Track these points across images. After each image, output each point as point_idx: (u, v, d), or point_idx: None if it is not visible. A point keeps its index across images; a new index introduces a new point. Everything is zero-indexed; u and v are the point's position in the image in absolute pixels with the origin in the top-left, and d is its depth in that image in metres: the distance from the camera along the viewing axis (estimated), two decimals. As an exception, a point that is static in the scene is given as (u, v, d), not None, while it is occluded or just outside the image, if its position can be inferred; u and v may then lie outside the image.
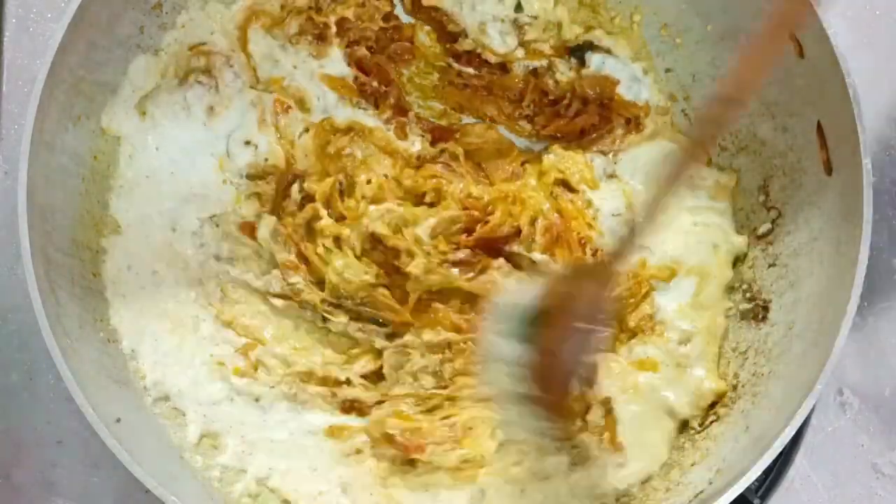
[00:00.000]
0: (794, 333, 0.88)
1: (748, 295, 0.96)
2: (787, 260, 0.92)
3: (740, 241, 0.98)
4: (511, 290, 0.89)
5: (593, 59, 1.01)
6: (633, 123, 1.01)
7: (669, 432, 0.95)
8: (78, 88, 0.85)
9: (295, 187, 0.97)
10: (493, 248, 0.97)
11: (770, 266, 0.94)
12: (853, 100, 0.79)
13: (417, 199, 1.00)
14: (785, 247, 0.93)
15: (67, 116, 0.85)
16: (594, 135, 1.02)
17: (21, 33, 1.06)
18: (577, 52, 1.02)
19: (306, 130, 0.99)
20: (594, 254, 0.97)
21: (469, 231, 0.98)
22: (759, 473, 0.77)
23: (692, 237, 0.99)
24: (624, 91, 1.01)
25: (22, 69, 1.05)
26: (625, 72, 1.01)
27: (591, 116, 1.01)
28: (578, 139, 1.02)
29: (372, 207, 0.96)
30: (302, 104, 1.00)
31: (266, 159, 0.97)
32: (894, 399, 1.04)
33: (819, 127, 0.86)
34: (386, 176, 0.98)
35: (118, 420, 0.82)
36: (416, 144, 1.01)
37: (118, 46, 0.89)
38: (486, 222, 0.97)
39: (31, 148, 0.78)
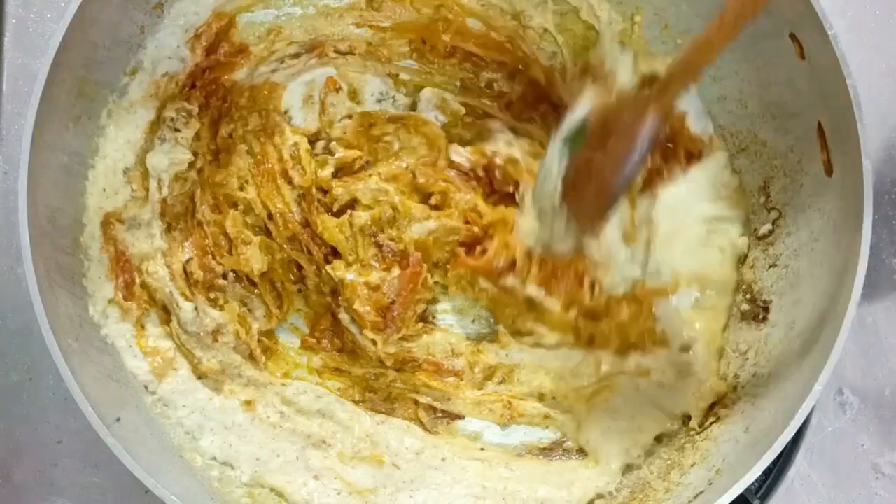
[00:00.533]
0: (794, 334, 0.88)
1: (748, 296, 0.96)
2: (788, 261, 0.92)
3: (741, 242, 0.98)
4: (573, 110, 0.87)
5: None
6: (695, 157, 0.97)
7: (655, 421, 0.96)
8: (78, 88, 0.85)
9: (321, 143, 0.99)
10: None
11: (770, 267, 0.95)
12: (853, 100, 0.79)
13: (424, 197, 1.01)
14: (785, 248, 0.93)
15: (68, 116, 0.85)
16: (656, 177, 0.96)
17: (21, 33, 1.06)
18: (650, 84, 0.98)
19: (348, 117, 1.00)
20: (591, 286, 0.97)
21: (467, 247, 0.99)
22: (759, 473, 0.77)
23: (702, 246, 0.99)
24: (691, 124, 0.98)
25: (22, 69, 1.05)
26: (691, 105, 0.98)
27: (653, 160, 0.95)
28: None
29: (375, 180, 0.98)
30: (354, 94, 1.00)
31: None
32: (894, 399, 1.04)
33: (819, 128, 0.86)
34: (406, 166, 0.99)
35: (118, 420, 0.82)
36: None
37: (119, 46, 0.89)
38: (484, 251, 0.98)
39: (31, 148, 0.78)
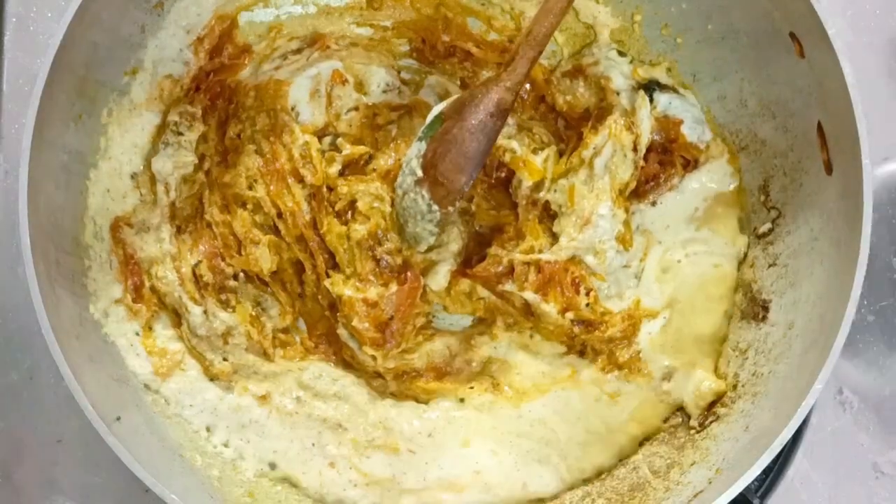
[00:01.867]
0: (794, 333, 0.88)
1: (748, 295, 0.96)
2: (788, 260, 0.92)
3: (741, 243, 0.98)
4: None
5: (661, 100, 0.98)
6: (692, 165, 0.99)
7: (600, 441, 0.97)
8: (79, 87, 0.85)
9: (327, 139, 0.99)
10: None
11: (770, 266, 0.95)
12: (853, 100, 0.79)
13: None
14: (785, 247, 0.93)
15: (68, 115, 0.85)
16: (650, 183, 0.99)
17: (21, 32, 1.06)
18: (647, 90, 0.98)
19: (355, 109, 1.00)
20: (588, 293, 0.97)
21: (464, 261, 0.99)
22: (759, 473, 0.77)
23: (687, 268, 0.99)
24: (687, 132, 0.98)
25: (22, 68, 1.05)
26: (689, 112, 0.99)
27: (650, 166, 0.99)
28: (634, 191, 0.99)
29: (376, 185, 0.97)
30: (360, 86, 1.00)
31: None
32: (894, 399, 1.04)
33: (819, 127, 0.86)
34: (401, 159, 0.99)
35: (118, 419, 0.82)
36: None
37: (119, 45, 0.89)
38: (483, 257, 0.98)
39: (31, 147, 0.78)
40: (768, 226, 0.95)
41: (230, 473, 0.93)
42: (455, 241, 0.98)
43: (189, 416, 0.93)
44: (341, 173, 0.99)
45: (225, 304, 0.97)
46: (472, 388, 1.00)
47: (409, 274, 0.97)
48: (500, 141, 0.96)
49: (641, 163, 0.97)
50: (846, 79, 0.80)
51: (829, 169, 0.85)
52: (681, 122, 0.98)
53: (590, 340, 0.98)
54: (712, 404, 0.94)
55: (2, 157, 1.04)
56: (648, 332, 0.98)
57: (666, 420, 0.97)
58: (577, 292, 0.96)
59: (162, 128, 0.94)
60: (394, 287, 0.97)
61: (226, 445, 0.94)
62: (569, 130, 1.01)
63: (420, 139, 0.90)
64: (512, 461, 0.96)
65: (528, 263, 0.96)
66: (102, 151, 0.90)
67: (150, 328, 0.94)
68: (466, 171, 0.88)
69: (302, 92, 0.99)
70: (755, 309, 0.95)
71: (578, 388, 0.98)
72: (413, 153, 0.91)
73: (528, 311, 0.99)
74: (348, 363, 1.00)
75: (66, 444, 1.00)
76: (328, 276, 0.98)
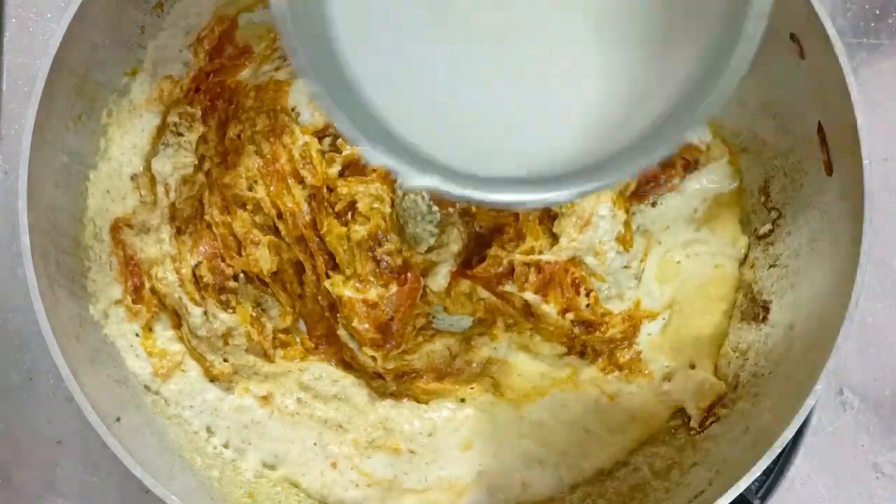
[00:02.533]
0: (795, 334, 0.88)
1: (749, 296, 0.96)
2: (788, 260, 0.92)
3: (742, 243, 0.98)
4: None
5: None
6: (692, 166, 0.98)
7: (598, 440, 0.96)
8: (79, 88, 0.85)
9: (327, 140, 0.99)
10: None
11: (770, 267, 0.95)
12: (853, 100, 0.79)
13: None
14: (785, 247, 0.93)
15: (68, 116, 0.85)
16: (650, 185, 0.99)
17: (21, 33, 1.06)
18: None
19: None
20: (588, 294, 0.97)
21: (463, 262, 0.99)
22: (759, 473, 0.77)
23: (687, 269, 0.99)
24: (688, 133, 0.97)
25: (22, 69, 1.05)
26: None
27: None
28: (634, 192, 0.99)
29: (376, 186, 0.97)
30: None
31: None
32: (894, 399, 1.04)
33: (820, 127, 0.86)
34: None
35: (118, 419, 0.82)
36: None
37: (119, 46, 0.89)
38: (483, 258, 0.98)
39: (31, 147, 0.78)
40: (769, 226, 0.95)
41: (230, 474, 0.93)
42: (455, 242, 0.98)
43: (189, 417, 0.94)
44: (341, 174, 0.99)
45: (225, 305, 0.97)
46: (472, 388, 1.00)
47: (409, 275, 0.97)
48: None
49: None
50: (846, 79, 0.79)
51: (829, 169, 0.85)
52: None
53: (590, 341, 0.98)
54: (712, 405, 0.94)
55: (2, 157, 1.04)
56: (648, 333, 0.99)
57: (666, 421, 0.97)
58: (578, 293, 0.97)
59: (162, 129, 0.94)
60: (394, 288, 0.97)
61: (226, 446, 0.94)
62: (569, 131, 1.01)
63: None
64: (513, 462, 0.96)
65: (528, 264, 0.96)
66: (102, 152, 0.90)
67: (150, 329, 0.94)
68: None
69: (302, 93, 0.99)
70: (755, 310, 0.95)
71: (578, 389, 0.98)
72: None
73: (528, 311, 0.99)
74: (348, 364, 1.01)
75: (66, 444, 1.00)
76: (328, 276, 0.98)
